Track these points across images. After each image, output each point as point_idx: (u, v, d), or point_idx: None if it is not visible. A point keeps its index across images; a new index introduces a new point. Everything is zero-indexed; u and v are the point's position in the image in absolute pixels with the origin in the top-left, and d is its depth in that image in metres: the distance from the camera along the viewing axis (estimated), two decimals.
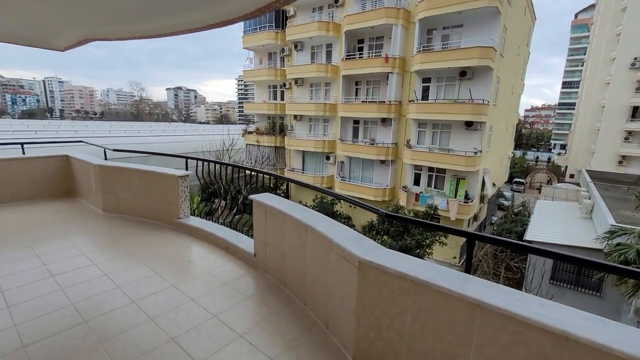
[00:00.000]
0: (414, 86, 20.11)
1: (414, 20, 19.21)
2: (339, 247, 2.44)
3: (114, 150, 6.53)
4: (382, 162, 21.64)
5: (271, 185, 6.42)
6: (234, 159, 20.16)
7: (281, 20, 25.62)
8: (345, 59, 21.83)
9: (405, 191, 20.22)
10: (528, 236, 14.17)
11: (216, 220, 5.21)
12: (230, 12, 3.10)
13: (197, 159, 5.22)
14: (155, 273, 3.63)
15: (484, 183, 20.10)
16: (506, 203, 27.97)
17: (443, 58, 18.19)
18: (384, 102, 20.71)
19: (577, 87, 58.83)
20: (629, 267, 1.90)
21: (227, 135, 22.05)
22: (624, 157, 35.92)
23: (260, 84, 29.37)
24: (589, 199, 17.40)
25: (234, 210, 5.89)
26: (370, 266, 2.15)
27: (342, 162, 23.75)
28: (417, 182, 20.94)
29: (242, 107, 31.57)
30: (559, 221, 16.23)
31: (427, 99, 19.84)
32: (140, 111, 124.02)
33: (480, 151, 18.17)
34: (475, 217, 21.26)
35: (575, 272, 13.09)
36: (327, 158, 24.41)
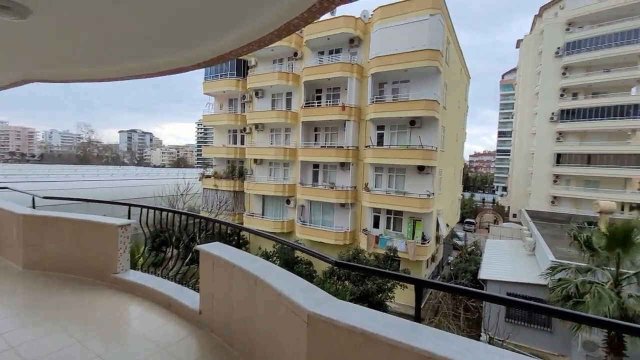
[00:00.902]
0: (370, 133, 21.37)
1: (367, 74, 21.02)
2: (288, 300, 2.29)
3: (44, 197, 5.87)
4: (342, 205, 21.96)
5: (228, 232, 6.13)
6: (189, 204, 19.23)
7: (242, 69, 26.63)
8: (305, 106, 22.87)
9: (366, 234, 20.43)
10: (481, 275, 14.73)
11: (166, 271, 4.74)
12: (186, 59, 3.13)
13: (142, 207, 4.85)
14: (77, 342, 3.10)
15: (438, 224, 21.04)
16: (460, 243, 29.31)
17: (394, 108, 19.81)
18: (342, 147, 21.61)
19: (510, 136, 66.64)
20: (565, 309, 1.98)
21: (182, 180, 21.22)
22: (555, 197, 40.21)
23: (220, 128, 29.40)
24: (531, 237, 18.85)
25: (187, 260, 5.45)
26: (320, 320, 2.02)
27: (303, 206, 23.69)
28: (376, 225, 21.34)
29: (201, 150, 31.09)
30: (508, 259, 17.21)
31: (382, 145, 21.08)
32: (87, 154, 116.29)
33: (433, 193, 19.26)
34: (433, 258, 21.85)
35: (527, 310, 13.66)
36: (288, 202, 24.26)
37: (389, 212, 20.83)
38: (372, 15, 21.20)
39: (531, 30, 48.34)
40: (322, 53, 23.53)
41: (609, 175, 36.59)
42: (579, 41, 38.10)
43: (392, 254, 17.60)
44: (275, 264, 18.55)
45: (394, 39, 19.45)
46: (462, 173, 39.68)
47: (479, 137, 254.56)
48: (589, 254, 11.36)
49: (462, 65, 28.12)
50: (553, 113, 40.07)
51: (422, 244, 18.96)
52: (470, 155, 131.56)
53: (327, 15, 22.84)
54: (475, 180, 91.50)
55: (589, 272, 11.11)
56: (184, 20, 2.16)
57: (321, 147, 23.11)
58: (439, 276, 22.88)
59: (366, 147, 21.09)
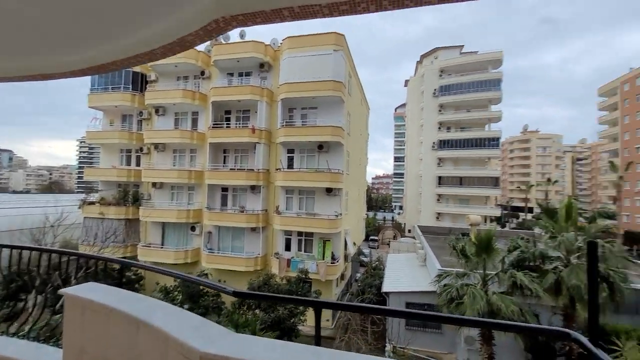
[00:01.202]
0: (280, 156, 21.63)
1: (277, 99, 21.51)
2: (178, 342, 2.00)
3: None
4: (253, 229, 21.30)
5: (114, 268, 5.21)
6: (64, 237, 15.81)
7: (140, 83, 24.16)
8: (213, 127, 21.90)
9: (277, 258, 20.12)
10: (384, 288, 15.96)
11: (25, 326, 3.67)
12: (58, 65, 2.61)
13: None
14: None
15: (346, 243, 22.21)
16: (366, 259, 31.43)
17: (303, 133, 20.62)
18: (253, 170, 21.25)
19: (403, 161, 76.49)
20: (440, 314, 2.22)
21: (55, 207, 17.42)
22: (439, 213, 47.20)
23: (110, 147, 25.65)
24: (422, 249, 21.48)
25: (57, 307, 4.36)
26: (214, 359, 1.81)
27: (210, 233, 22.10)
28: (288, 248, 21.27)
29: (83, 172, 26.31)
30: (406, 271, 19.15)
31: (293, 168, 21.53)
32: None
33: (341, 214, 20.37)
34: (342, 276, 22.79)
35: (422, 309, 15.31)
36: (193, 229, 22.30)
37: (300, 234, 21.07)
38: (281, 43, 22.09)
39: (415, 73, 57.64)
40: (231, 74, 23.22)
41: (475, 194, 45.06)
42: (448, 85, 47.02)
43: (303, 276, 17.68)
44: (177, 299, 16.54)
45: (302, 67, 20.56)
46: (366, 194, 43.32)
47: (379, 162, 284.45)
48: (464, 261, 13.50)
49: (362, 97, 31.41)
50: (434, 142, 47.77)
51: (332, 263, 19.63)
52: (372, 178, 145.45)
53: (236, 38, 22.89)
54: (377, 201, 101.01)
55: (465, 276, 13.16)
56: (54, 17, 1.82)
57: (230, 169, 22.28)
58: (348, 293, 23.89)
59: (277, 169, 21.20)
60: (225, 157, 23.17)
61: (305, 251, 21.04)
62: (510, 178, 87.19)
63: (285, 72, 20.90)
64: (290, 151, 21.89)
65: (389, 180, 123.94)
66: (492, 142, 44.80)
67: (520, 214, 70.39)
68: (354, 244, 25.72)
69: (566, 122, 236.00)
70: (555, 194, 68.02)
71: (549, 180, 68.32)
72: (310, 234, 20.91)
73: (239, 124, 22.54)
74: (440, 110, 48.02)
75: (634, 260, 14.54)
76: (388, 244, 42.51)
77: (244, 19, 1.55)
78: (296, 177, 20.65)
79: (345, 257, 22.57)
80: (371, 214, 66.91)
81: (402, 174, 77.14)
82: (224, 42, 22.87)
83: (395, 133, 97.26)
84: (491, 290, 12.33)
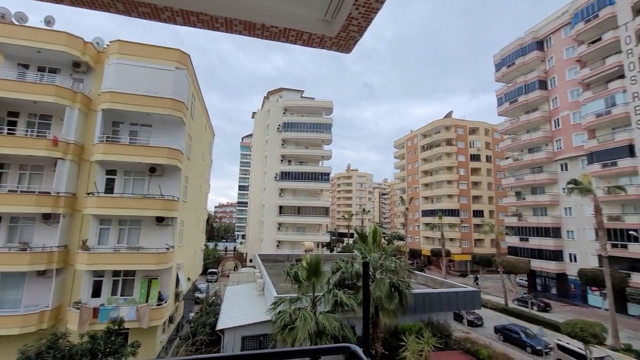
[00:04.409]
0: (96, 177, 17.53)
1: (97, 108, 17.71)
2: None
3: None
4: (41, 273, 15.85)
5: None
6: None
7: None
8: None
9: (78, 308, 15.51)
10: (219, 325, 14.84)
11: None
12: None
13: None
14: None
15: (178, 279, 19.67)
16: (201, 296, 28.73)
17: (131, 152, 17.58)
18: (49, 193, 16.20)
19: (248, 190, 77.14)
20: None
21: None
22: (279, 241, 49.42)
23: None
24: (261, 278, 21.59)
25: None
26: None
27: None
28: (97, 293, 16.83)
29: None
30: (243, 303, 18.57)
31: (113, 193, 17.78)
32: None
33: (173, 246, 18.05)
34: (171, 319, 19.81)
35: (258, 341, 15.03)
36: None
37: (117, 273, 17.19)
38: (108, 45, 18.75)
39: (262, 106, 60.85)
40: (26, 66, 17.67)
41: (310, 222, 50.11)
42: (290, 123, 51.88)
43: (116, 328, 14.21)
44: None
45: (135, 78, 17.94)
46: (207, 223, 40.57)
47: (224, 190, 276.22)
48: (297, 285, 14.39)
49: (207, 121, 30.18)
50: (277, 173, 50.74)
51: (158, 305, 16.78)
52: (215, 206, 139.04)
53: (36, 23, 17.78)
54: (219, 230, 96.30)
55: (298, 300, 13.98)
56: None
57: (9, 191, 16.23)
58: (177, 338, 20.86)
59: (89, 194, 16.97)
60: (1, 174, 16.77)
61: (122, 294, 17.21)
62: (337, 208, 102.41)
63: (112, 79, 17.66)
64: (111, 172, 18.12)
65: (233, 208, 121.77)
66: (324, 176, 51.78)
67: (345, 238, 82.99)
68: (188, 279, 23.15)
69: (376, 164, 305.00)
70: (368, 222, 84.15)
71: (363, 210, 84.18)
72: (132, 273, 17.40)
73: (32, 131, 17.08)
74: (283, 144, 51.99)
75: (414, 272, 19.38)
76: (228, 276, 40.66)
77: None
78: (117, 203, 17.10)
79: (177, 296, 19.87)
80: (212, 244, 63.00)
81: (246, 202, 77.44)
82: (15, 22, 17.36)
83: (242, 162, 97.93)
84: (319, 310, 13.54)
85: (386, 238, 18.89)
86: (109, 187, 17.92)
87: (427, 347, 13.81)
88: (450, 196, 56.87)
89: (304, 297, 14.08)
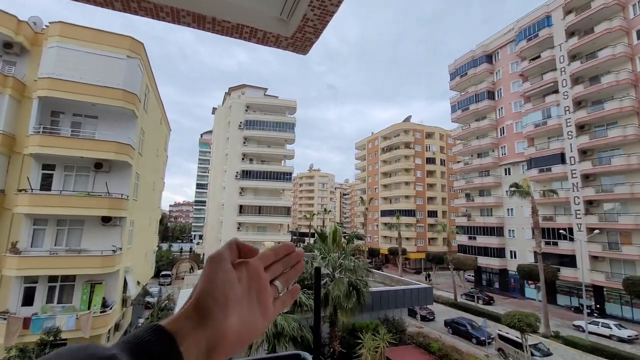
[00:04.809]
0: (30, 172, 15.73)
1: (32, 95, 15.90)
2: None
3: None
4: None
5: None
6: None
7: None
8: None
9: (5, 318, 13.81)
10: None
11: None
12: None
13: None
14: None
15: (126, 283, 18.33)
16: (153, 300, 27.08)
17: (73, 145, 16.05)
18: None
19: (206, 189, 74.22)
20: None
21: None
22: None
23: None
24: None
25: None
26: None
27: None
28: (29, 301, 15.11)
29: None
30: None
31: (50, 190, 16.09)
32: None
33: (121, 248, 16.78)
34: (117, 326, 18.39)
35: None
36: None
37: (53, 279, 15.58)
38: (47, 26, 16.93)
39: (223, 102, 58.85)
40: None
41: (271, 222, 49.48)
42: (253, 121, 50.80)
43: (51, 339, 12.90)
44: None
45: (80, 64, 16.41)
46: (161, 223, 38.33)
47: (181, 188, 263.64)
48: None
49: (162, 115, 28.50)
50: (237, 172, 49.41)
51: (102, 312, 15.49)
52: (171, 205, 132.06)
53: None
54: (174, 230, 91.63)
55: None
56: None
57: None
58: None
59: (20, 191, 15.19)
60: None
61: (60, 302, 15.65)
62: (299, 208, 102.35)
63: (51, 64, 15.97)
64: (49, 167, 16.39)
65: (190, 207, 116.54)
66: (287, 176, 51.42)
67: (306, 238, 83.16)
68: (138, 283, 21.68)
69: (338, 165, 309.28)
70: (329, 221, 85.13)
71: (325, 210, 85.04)
72: (72, 278, 15.89)
73: None
74: (244, 142, 50.74)
75: (372, 270, 19.94)
76: (183, 278, 38.77)
77: None
78: (55, 201, 15.51)
79: (124, 302, 18.51)
80: (166, 245, 59.70)
81: (205, 201, 74.51)
82: None
83: (200, 159, 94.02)
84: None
85: (346, 237, 19.24)
86: (46, 184, 16.20)
87: (383, 343, 14.28)
88: (407, 197, 59.42)
89: None
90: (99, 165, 16.83)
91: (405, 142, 61.40)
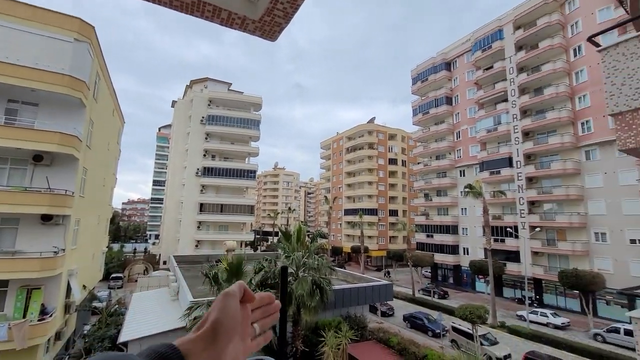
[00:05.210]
0: None
1: None
2: None
3: None
4: None
5: None
6: None
7: None
8: None
9: None
10: (122, 337, 13.13)
11: None
12: None
13: None
14: None
15: (69, 288, 16.77)
16: (101, 305, 25.08)
17: (7, 135, 14.33)
18: None
19: (164, 185, 70.37)
20: None
21: None
22: (198, 241, 46.27)
23: None
24: (176, 281, 19.86)
25: None
26: None
27: None
28: None
29: None
30: (153, 310, 16.78)
31: None
32: None
33: (64, 250, 15.30)
34: (59, 335, 16.75)
35: None
36: None
37: None
38: None
39: (184, 96, 56.11)
40: None
41: (234, 221, 48.15)
42: (216, 116, 49.04)
43: None
44: None
45: (16, 45, 14.71)
46: (112, 222, 35.64)
47: (136, 184, 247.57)
48: (216, 288, 13.59)
49: (115, 106, 26.46)
50: (198, 169, 47.44)
51: (40, 320, 14.01)
52: (124, 203, 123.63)
53: None
54: (127, 230, 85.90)
55: None
56: None
57: None
58: (67, 356, 17.78)
59: None
60: None
61: None
62: (262, 206, 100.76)
63: None
64: None
65: (146, 205, 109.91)
66: (251, 174, 50.33)
67: (270, 237, 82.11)
68: (84, 287, 19.94)
69: (304, 164, 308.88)
70: (294, 220, 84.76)
71: (289, 208, 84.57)
72: (4, 283, 14.20)
73: None
74: (206, 138, 48.83)
75: (335, 268, 20.13)
76: (136, 281, 36.41)
77: None
78: None
79: (67, 308, 16.89)
80: (117, 245, 55.72)
81: (162, 199, 70.60)
82: None
83: (158, 154, 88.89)
84: None
85: (310, 236, 19.25)
86: None
87: (345, 340, 14.47)
88: (370, 196, 60.94)
89: None
90: (38, 157, 15.20)
91: (369, 143, 62.89)
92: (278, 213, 79.63)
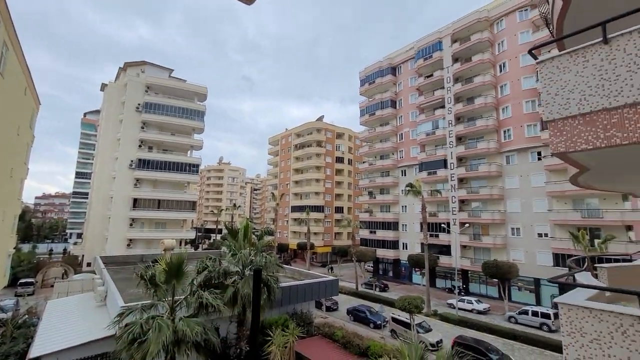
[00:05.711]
0: None
1: None
2: None
3: None
4: None
5: None
6: None
7: None
8: None
9: None
10: (33, 352, 11.32)
11: None
12: None
13: None
14: None
15: None
16: (6, 316, 21.41)
17: None
18: None
19: (90, 178, 62.75)
20: None
21: None
22: (131, 240, 42.20)
23: None
24: (103, 285, 17.79)
25: None
26: None
27: None
28: None
29: None
30: (73, 319, 14.81)
31: None
32: None
33: None
34: None
35: None
36: None
37: None
38: None
39: (116, 79, 50.45)
40: None
41: (173, 217, 44.87)
42: (155, 104, 45.09)
43: None
44: None
45: None
46: (22, 219, 30.60)
47: (54, 176, 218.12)
48: (153, 290, 12.42)
49: (28, 84, 22.66)
50: (132, 160, 43.23)
51: None
52: (37, 197, 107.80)
53: None
54: (41, 228, 75.10)
55: (152, 307, 12.07)
56: None
57: None
58: None
59: None
60: None
61: None
62: (205, 202, 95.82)
63: None
64: None
65: (66, 200, 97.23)
66: (193, 167, 47.34)
67: (213, 235, 78.43)
68: None
69: (251, 159, 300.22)
70: (239, 217, 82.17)
71: (234, 205, 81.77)
72: None
73: None
74: (143, 127, 44.66)
75: (282, 265, 19.88)
76: (52, 286, 31.90)
77: None
78: None
79: None
80: (28, 246, 48.24)
81: (87, 193, 62.92)
82: None
83: (83, 143, 79.01)
84: (179, 316, 12.08)
85: (256, 234, 18.70)
86: None
87: (292, 338, 14.37)
88: (317, 193, 61.64)
89: (159, 304, 12.28)
90: None
91: (318, 141, 63.51)
92: (222, 210, 76.46)
